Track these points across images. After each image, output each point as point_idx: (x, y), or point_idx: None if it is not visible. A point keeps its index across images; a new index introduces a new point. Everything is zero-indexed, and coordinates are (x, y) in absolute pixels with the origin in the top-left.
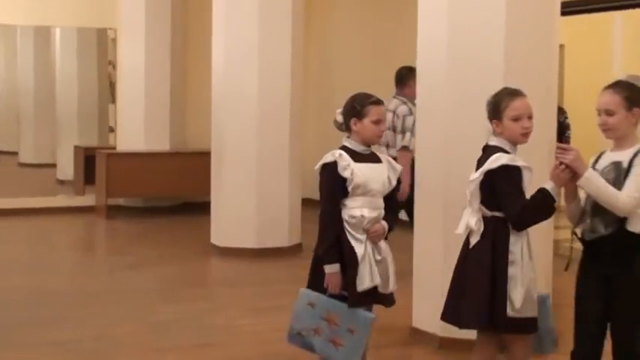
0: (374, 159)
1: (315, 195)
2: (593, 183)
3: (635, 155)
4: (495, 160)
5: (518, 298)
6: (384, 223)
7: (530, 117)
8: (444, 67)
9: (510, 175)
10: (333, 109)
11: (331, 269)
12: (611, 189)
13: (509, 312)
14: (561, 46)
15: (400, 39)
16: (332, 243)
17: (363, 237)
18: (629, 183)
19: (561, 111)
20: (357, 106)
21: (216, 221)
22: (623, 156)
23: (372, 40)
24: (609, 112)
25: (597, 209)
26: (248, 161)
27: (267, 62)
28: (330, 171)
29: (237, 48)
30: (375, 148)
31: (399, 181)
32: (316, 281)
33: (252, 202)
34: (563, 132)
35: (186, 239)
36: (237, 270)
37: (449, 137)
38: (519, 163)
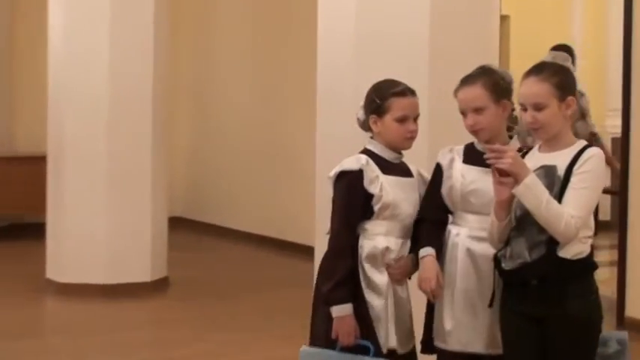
0: (404, 171)
1: (188, 212)
2: (534, 193)
3: (574, 160)
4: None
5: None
6: (412, 258)
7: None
8: (350, 47)
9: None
10: (211, 105)
11: (341, 311)
12: (555, 204)
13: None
14: (505, 18)
15: (294, 17)
16: (343, 278)
17: (383, 279)
18: (570, 198)
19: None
20: (376, 99)
21: (54, 249)
22: (558, 159)
23: (259, 21)
24: (538, 106)
25: (522, 227)
26: (96, 169)
27: (122, 44)
28: (351, 182)
29: (82, 24)
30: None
31: None
32: (319, 331)
33: (101, 224)
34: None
35: (12, 273)
36: (82, 313)
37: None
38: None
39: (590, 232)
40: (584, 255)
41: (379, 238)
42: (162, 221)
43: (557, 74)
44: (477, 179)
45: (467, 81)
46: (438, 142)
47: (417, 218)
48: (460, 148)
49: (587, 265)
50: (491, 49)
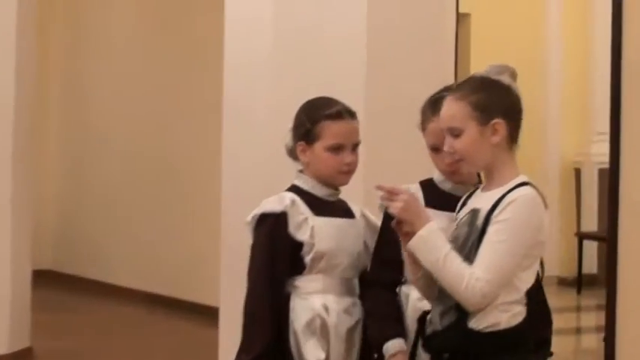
0: (343, 211)
1: (58, 264)
2: (428, 248)
3: (497, 203)
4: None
5: None
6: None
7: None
8: (265, 51)
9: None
10: (88, 124)
11: None
12: (456, 262)
13: None
14: (465, 16)
15: (192, 11)
16: (261, 354)
17: (321, 355)
18: (481, 254)
19: None
20: (305, 122)
21: None
22: (487, 200)
23: (151, 13)
24: (454, 132)
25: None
26: None
27: None
28: (272, 229)
29: None
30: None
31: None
32: None
33: None
34: None
35: None
36: None
37: (271, 154)
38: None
39: (518, 296)
40: (501, 327)
41: (315, 297)
42: (26, 276)
43: (479, 91)
44: (447, 228)
45: (454, 90)
46: (378, 172)
47: (367, 280)
48: (416, 187)
49: (510, 340)
50: (446, 52)
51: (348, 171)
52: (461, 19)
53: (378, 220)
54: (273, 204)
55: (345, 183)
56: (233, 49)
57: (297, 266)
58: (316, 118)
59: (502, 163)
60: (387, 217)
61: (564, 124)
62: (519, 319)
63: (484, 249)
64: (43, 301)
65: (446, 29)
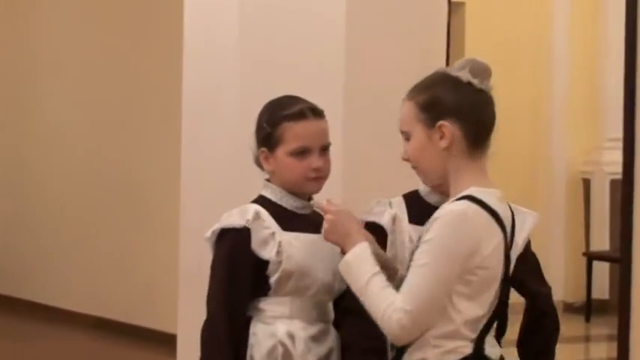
0: (318, 225)
1: (10, 288)
2: (353, 272)
3: (434, 220)
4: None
5: None
6: None
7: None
8: (230, 40)
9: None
10: (31, 132)
11: None
12: (376, 288)
13: None
14: (459, 5)
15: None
16: None
17: None
18: (406, 280)
19: None
20: (265, 125)
21: None
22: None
23: (104, 16)
24: (404, 135)
25: None
26: None
27: None
28: (234, 245)
29: None
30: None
31: None
32: None
33: None
34: None
35: None
36: None
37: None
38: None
39: (451, 329)
40: None
41: (279, 323)
42: None
43: (428, 89)
44: None
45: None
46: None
47: (344, 307)
48: (399, 201)
49: None
50: (437, 44)
51: (317, 177)
52: (454, 8)
53: None
54: (234, 218)
55: (317, 191)
56: (193, 40)
57: (261, 287)
58: (276, 121)
59: (456, 172)
60: (375, 234)
61: (571, 128)
62: (453, 357)
63: (408, 274)
64: None
65: (436, 19)
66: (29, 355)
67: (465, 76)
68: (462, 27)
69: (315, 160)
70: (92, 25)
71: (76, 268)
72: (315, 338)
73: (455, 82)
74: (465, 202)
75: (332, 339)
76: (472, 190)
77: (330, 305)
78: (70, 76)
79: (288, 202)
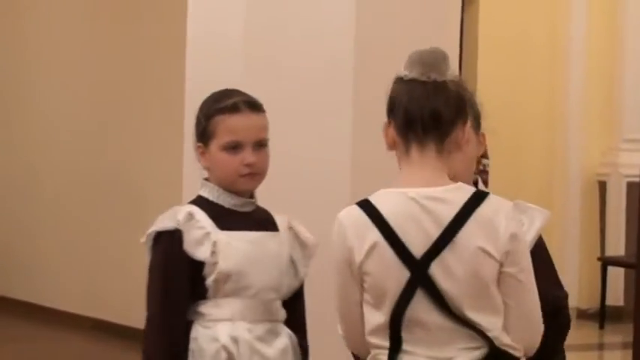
0: (261, 223)
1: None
2: None
3: None
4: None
5: None
6: None
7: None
8: (237, 40)
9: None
10: (29, 129)
11: None
12: None
13: None
14: (473, 1)
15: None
16: None
17: None
18: None
19: None
20: (200, 119)
21: None
22: None
23: (101, 10)
24: None
25: None
26: None
27: None
28: (166, 248)
29: None
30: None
31: None
32: None
33: None
34: None
35: None
36: None
37: None
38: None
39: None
40: None
41: (221, 326)
42: None
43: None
44: None
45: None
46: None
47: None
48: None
49: None
50: (450, 41)
51: (250, 173)
52: (467, 4)
53: (309, 233)
54: (165, 221)
55: (250, 188)
56: (197, 37)
57: (199, 289)
58: (209, 114)
59: (399, 171)
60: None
61: (587, 129)
62: None
63: None
64: None
65: (449, 15)
66: (26, 357)
67: (400, 72)
68: (475, 23)
69: (247, 156)
70: (92, 21)
71: (74, 269)
72: (263, 339)
73: (395, 79)
74: (350, 207)
75: (283, 340)
76: (378, 192)
77: (278, 304)
78: (69, 74)
79: (226, 200)
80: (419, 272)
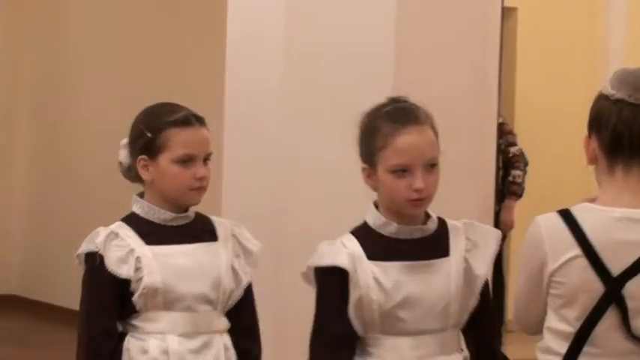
0: (196, 235)
1: (26, 289)
2: None
3: None
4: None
5: None
6: None
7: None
8: (276, 46)
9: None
10: (66, 132)
11: None
12: None
13: None
14: (511, 10)
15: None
16: None
17: None
18: None
19: (504, 133)
20: (145, 132)
21: None
22: None
23: (142, 9)
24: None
25: None
26: None
27: None
28: (92, 269)
29: None
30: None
31: None
32: None
33: None
34: (507, 165)
35: None
36: None
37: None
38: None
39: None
40: None
41: (153, 339)
42: None
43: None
44: (404, 281)
45: (414, 117)
46: None
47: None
48: (350, 239)
49: None
50: (490, 51)
51: (200, 187)
52: (507, 13)
53: (254, 240)
54: (86, 244)
55: (197, 202)
56: (237, 38)
57: (129, 305)
58: (159, 126)
59: None
60: (334, 280)
61: None
62: None
63: None
64: (7, 332)
65: (489, 25)
66: None
67: (605, 89)
68: (514, 32)
69: (199, 169)
70: (131, 21)
71: None
72: (196, 351)
73: (599, 95)
74: (550, 213)
75: (216, 351)
76: (580, 205)
77: (214, 315)
78: (108, 75)
79: (155, 216)
80: (613, 289)
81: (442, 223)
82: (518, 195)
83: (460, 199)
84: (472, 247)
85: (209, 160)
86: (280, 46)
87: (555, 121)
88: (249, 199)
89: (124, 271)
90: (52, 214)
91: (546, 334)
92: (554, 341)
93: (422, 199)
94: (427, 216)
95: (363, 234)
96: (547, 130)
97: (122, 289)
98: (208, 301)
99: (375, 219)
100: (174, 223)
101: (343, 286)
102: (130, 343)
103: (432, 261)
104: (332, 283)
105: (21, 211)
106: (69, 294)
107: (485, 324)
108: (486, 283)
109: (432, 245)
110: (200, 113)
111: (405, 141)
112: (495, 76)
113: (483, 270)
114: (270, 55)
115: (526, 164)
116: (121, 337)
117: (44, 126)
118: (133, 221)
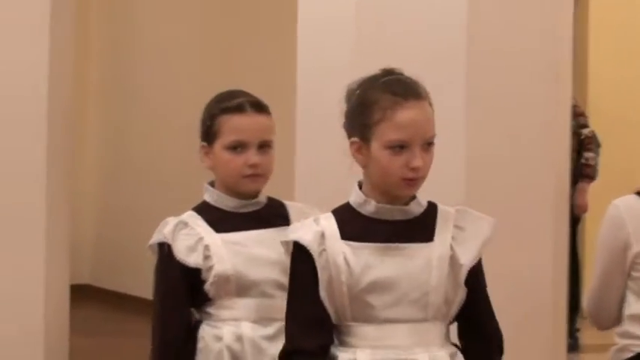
0: (267, 220)
1: (99, 279)
2: None
3: None
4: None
5: None
6: None
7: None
8: (347, 42)
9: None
10: (135, 120)
11: None
12: None
13: None
14: None
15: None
16: None
17: None
18: None
19: (576, 115)
20: (205, 119)
21: None
22: None
23: (213, 10)
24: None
25: None
26: None
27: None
28: (159, 260)
29: None
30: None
31: None
32: None
33: None
34: (580, 147)
35: None
36: None
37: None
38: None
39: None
40: None
41: (227, 326)
42: (62, 293)
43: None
44: (374, 264)
45: (415, 91)
46: (482, 175)
47: (286, 350)
48: (328, 217)
49: None
50: (562, 38)
51: (254, 174)
52: (577, 1)
53: None
54: (156, 234)
55: (254, 190)
56: (308, 19)
57: (202, 293)
58: (214, 113)
59: None
60: (300, 259)
61: None
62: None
63: None
64: (81, 320)
65: (561, 13)
66: (132, 350)
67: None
68: (585, 20)
69: (251, 156)
70: (201, 15)
71: None
72: (270, 338)
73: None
74: (628, 196)
75: None
76: None
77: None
78: (177, 71)
79: (224, 204)
80: None
81: (432, 208)
82: (591, 177)
83: (535, 182)
84: (459, 235)
85: (269, 147)
86: (351, 27)
87: (628, 102)
88: (323, 184)
89: (192, 259)
90: (122, 207)
91: (627, 320)
92: (635, 326)
93: (416, 179)
94: (412, 198)
95: (343, 213)
96: (620, 111)
97: (193, 277)
98: (281, 288)
99: (356, 197)
100: (245, 210)
101: (311, 265)
102: (205, 331)
103: (410, 244)
104: (299, 261)
105: (92, 204)
106: (140, 283)
107: (475, 321)
108: (477, 275)
109: (415, 229)
110: (271, 98)
111: (407, 116)
112: (569, 67)
113: (468, 260)
114: (340, 34)
115: (598, 146)
116: (197, 325)
117: (114, 122)
118: (204, 210)
